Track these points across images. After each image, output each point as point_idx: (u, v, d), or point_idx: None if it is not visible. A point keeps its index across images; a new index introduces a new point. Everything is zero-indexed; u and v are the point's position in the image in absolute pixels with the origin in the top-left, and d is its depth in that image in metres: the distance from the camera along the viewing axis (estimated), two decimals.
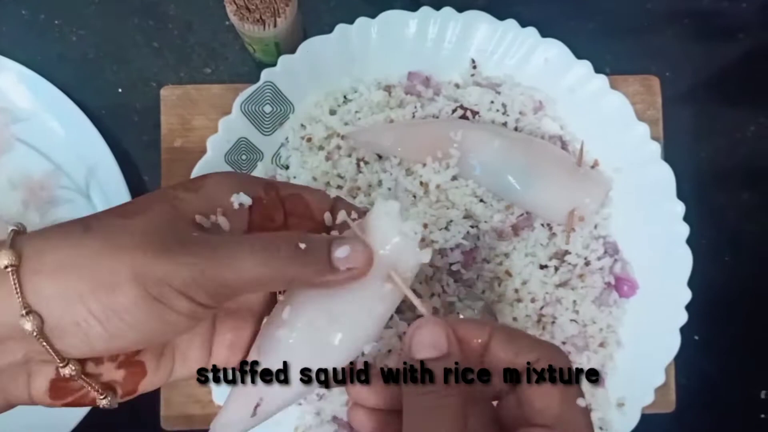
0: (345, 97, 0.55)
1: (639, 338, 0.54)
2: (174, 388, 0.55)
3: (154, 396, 0.55)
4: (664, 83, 0.59)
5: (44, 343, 0.27)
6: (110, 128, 0.57)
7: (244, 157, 0.53)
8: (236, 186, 0.32)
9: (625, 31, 0.62)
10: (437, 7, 0.54)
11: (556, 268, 0.54)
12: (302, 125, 0.54)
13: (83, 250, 0.27)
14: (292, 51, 0.53)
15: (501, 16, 0.54)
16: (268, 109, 0.53)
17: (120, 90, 0.58)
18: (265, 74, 0.52)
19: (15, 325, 0.26)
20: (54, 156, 0.56)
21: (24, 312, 0.26)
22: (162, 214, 0.29)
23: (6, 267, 0.26)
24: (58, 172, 0.57)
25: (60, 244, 0.27)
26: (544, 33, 0.54)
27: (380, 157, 0.53)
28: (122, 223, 0.28)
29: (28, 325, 0.26)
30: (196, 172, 0.51)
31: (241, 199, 0.32)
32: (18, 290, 0.26)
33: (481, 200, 0.53)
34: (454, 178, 0.52)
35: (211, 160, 0.52)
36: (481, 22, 0.54)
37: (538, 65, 0.55)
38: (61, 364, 0.28)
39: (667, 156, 0.57)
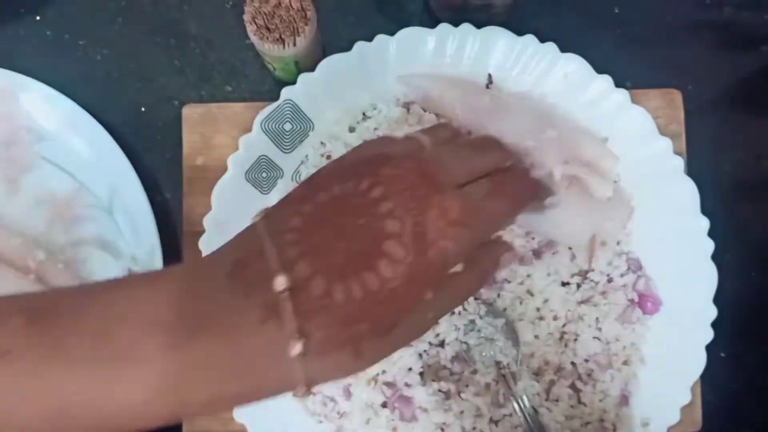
0: (364, 114, 0.55)
1: (663, 356, 0.53)
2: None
3: None
4: (686, 96, 0.59)
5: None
6: (133, 146, 0.58)
7: (264, 174, 0.54)
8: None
9: (646, 43, 0.61)
10: (456, 24, 0.54)
11: (578, 285, 0.53)
12: (322, 143, 0.54)
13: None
14: (312, 69, 0.53)
15: (520, 32, 0.54)
16: (288, 126, 0.54)
17: (143, 109, 0.59)
18: (285, 92, 0.53)
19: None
20: (78, 174, 0.57)
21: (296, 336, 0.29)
22: (408, 326, 0.33)
23: (296, 356, 0.29)
24: (83, 190, 0.57)
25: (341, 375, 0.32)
26: (564, 47, 0.54)
27: None
28: (380, 344, 0.32)
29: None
30: (217, 190, 0.52)
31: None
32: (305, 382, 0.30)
33: None
34: None
35: (232, 178, 0.52)
36: (499, 38, 0.54)
37: (557, 80, 0.54)
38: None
39: (691, 170, 0.56)
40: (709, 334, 0.52)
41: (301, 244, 0.31)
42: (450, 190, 0.34)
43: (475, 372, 0.51)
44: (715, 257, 0.52)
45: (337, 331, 0.29)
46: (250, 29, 0.49)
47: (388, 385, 0.50)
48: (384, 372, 0.50)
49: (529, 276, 0.53)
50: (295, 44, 0.50)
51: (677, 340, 0.53)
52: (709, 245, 0.52)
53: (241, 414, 0.51)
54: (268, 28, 0.49)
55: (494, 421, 0.52)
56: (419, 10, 0.60)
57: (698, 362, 0.52)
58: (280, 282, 0.29)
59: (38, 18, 0.60)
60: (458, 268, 0.33)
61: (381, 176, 0.33)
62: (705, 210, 0.53)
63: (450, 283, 0.34)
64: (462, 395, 0.51)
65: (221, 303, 0.30)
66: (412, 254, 0.31)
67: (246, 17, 0.49)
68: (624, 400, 0.53)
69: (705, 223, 0.52)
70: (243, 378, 0.29)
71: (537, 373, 0.53)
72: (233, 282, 0.30)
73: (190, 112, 0.57)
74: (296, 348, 0.28)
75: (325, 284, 0.30)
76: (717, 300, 0.52)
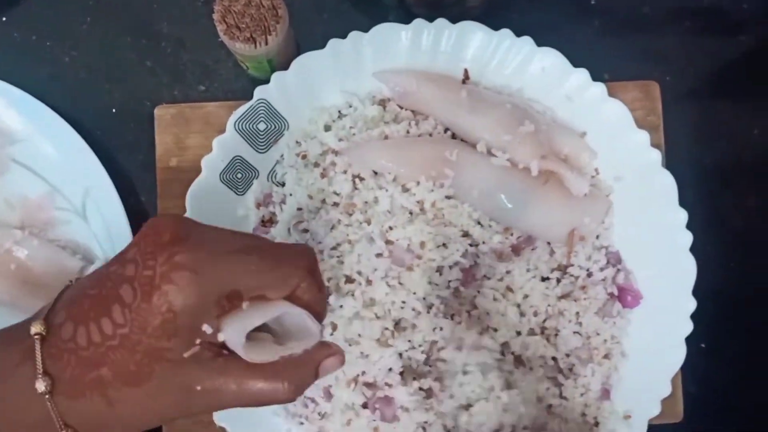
0: (340, 112, 0.54)
1: (644, 349, 0.53)
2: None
3: None
4: (665, 87, 0.58)
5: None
6: (106, 148, 0.57)
7: (239, 175, 0.53)
8: (212, 307, 0.33)
9: (623, 34, 0.61)
10: (431, 19, 0.53)
11: (558, 280, 0.53)
12: (297, 142, 0.54)
13: (117, 426, 0.34)
14: (286, 67, 0.52)
15: (496, 26, 0.53)
16: (262, 126, 0.53)
17: (114, 110, 0.58)
18: (258, 92, 0.52)
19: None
20: (50, 177, 0.56)
21: (40, 374, 0.32)
22: (163, 374, 0.32)
23: (43, 393, 0.32)
24: (55, 194, 0.56)
25: (92, 418, 0.33)
26: (540, 41, 0.53)
27: (376, 173, 0.52)
28: (137, 393, 0.32)
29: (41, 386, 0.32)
30: (191, 192, 0.51)
31: (209, 331, 0.33)
32: (59, 417, 0.32)
33: (479, 223, 0.52)
34: (449, 197, 0.51)
35: (206, 180, 0.52)
36: (475, 32, 0.53)
37: (534, 75, 0.54)
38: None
39: (670, 161, 0.56)
40: (688, 327, 0.52)
41: (65, 301, 0.35)
42: (193, 244, 0.34)
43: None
44: (695, 249, 0.52)
45: (81, 373, 0.32)
46: (220, 28, 0.48)
47: (369, 385, 0.50)
48: (364, 373, 0.50)
49: (508, 272, 0.52)
50: (266, 43, 0.49)
51: (657, 332, 0.53)
52: (688, 238, 0.52)
53: (221, 417, 0.51)
54: (238, 27, 0.48)
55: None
56: (395, 6, 0.59)
57: (678, 354, 0.52)
58: (35, 327, 0.33)
59: (4, 19, 0.58)
60: (207, 329, 0.32)
61: (140, 238, 0.34)
62: (684, 201, 0.53)
63: (210, 358, 0.33)
64: (443, 393, 0.51)
65: None
66: (138, 299, 0.32)
67: (215, 16, 0.48)
68: (605, 393, 0.53)
69: (683, 216, 0.52)
70: (3, 414, 0.33)
71: (519, 369, 0.52)
72: (1, 338, 0.35)
73: (163, 113, 0.56)
74: (40, 385, 0.32)
75: (73, 329, 0.33)
76: (696, 292, 0.52)
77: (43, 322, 0.33)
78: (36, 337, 0.33)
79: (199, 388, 0.33)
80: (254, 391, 0.33)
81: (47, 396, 0.32)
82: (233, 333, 0.33)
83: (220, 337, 0.33)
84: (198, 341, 0.33)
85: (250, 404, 0.34)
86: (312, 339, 0.35)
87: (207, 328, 0.33)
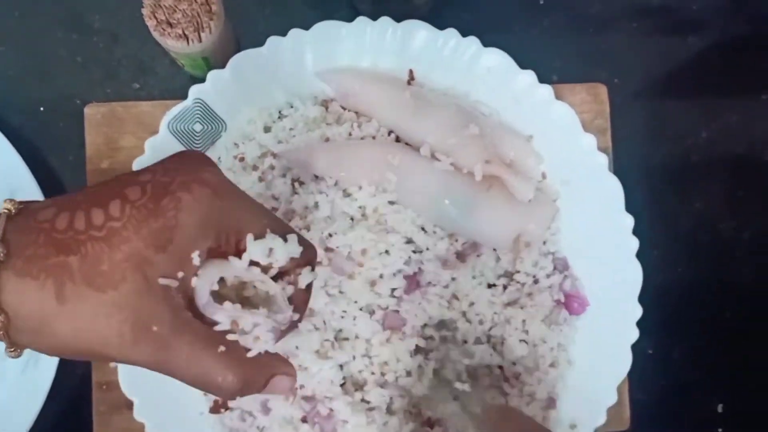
0: (280, 113, 0.52)
1: (590, 357, 0.53)
2: (108, 425, 0.52)
3: None
4: (614, 89, 0.57)
5: (5, 338, 0.29)
6: (33, 149, 0.54)
7: None
8: (211, 236, 0.31)
9: (572, 35, 0.60)
10: (376, 17, 0.51)
11: (505, 287, 0.52)
12: (235, 144, 0.52)
13: (58, 328, 0.29)
14: (224, 65, 0.50)
15: (441, 26, 0.52)
16: (198, 127, 0.51)
17: (42, 108, 0.55)
18: (194, 91, 0.50)
19: None
20: None
21: None
22: (132, 290, 0.29)
23: None
24: None
25: (33, 307, 0.29)
26: (487, 42, 0.52)
27: (317, 177, 0.50)
28: (95, 299, 0.29)
29: None
30: None
31: (197, 262, 0.31)
32: (2, 229, 0.29)
33: (423, 229, 0.50)
34: (392, 203, 0.50)
35: None
36: (419, 31, 0.51)
37: (480, 76, 0.52)
38: (12, 351, 0.30)
39: (618, 164, 0.55)
40: (634, 334, 0.51)
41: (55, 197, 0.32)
42: (221, 173, 0.33)
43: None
44: (642, 252, 0.51)
45: (45, 253, 0.28)
46: (150, 24, 0.46)
47: (307, 399, 0.48)
48: (303, 386, 0.48)
49: (453, 279, 0.51)
50: (200, 40, 0.47)
51: (603, 340, 0.52)
52: (634, 243, 0.51)
53: (143, 414, 0.49)
54: (169, 23, 0.46)
55: (422, 429, 0.50)
56: (344, 4, 0.57)
57: (624, 362, 0.51)
58: (5, 204, 0.30)
59: None
60: (195, 259, 0.30)
61: (165, 159, 0.33)
62: (632, 204, 0.52)
63: (179, 305, 0.31)
64: (389, 405, 0.49)
65: None
66: (146, 197, 0.30)
67: (145, 11, 0.46)
68: (551, 402, 0.52)
69: (630, 221, 0.51)
70: None
71: (463, 378, 0.51)
72: None
73: (93, 112, 0.53)
74: None
75: (54, 212, 0.30)
76: (643, 296, 0.51)
77: (17, 202, 0.30)
78: (3, 212, 0.30)
79: (155, 329, 0.29)
80: (200, 367, 0.31)
81: None
82: (205, 276, 0.31)
83: (194, 282, 0.31)
84: (180, 275, 0.30)
85: (187, 381, 0.31)
86: (277, 317, 0.33)
87: (196, 258, 0.30)
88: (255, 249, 0.32)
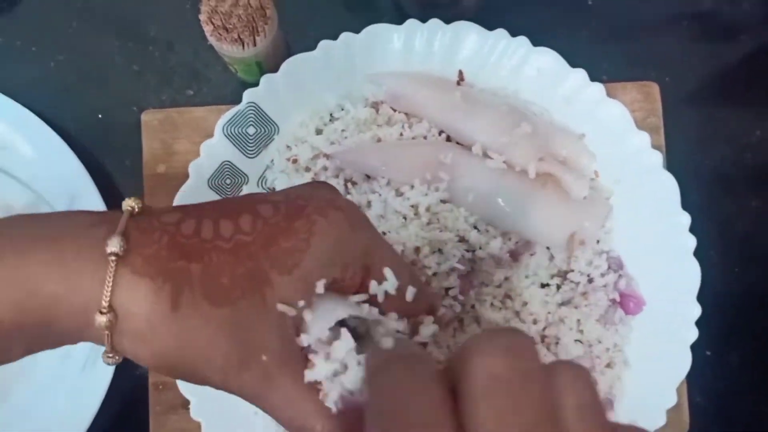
0: (331, 115, 0.53)
1: (647, 357, 0.52)
2: (164, 425, 0.53)
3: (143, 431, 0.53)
4: (664, 89, 0.57)
5: (108, 339, 0.27)
6: (91, 155, 0.55)
7: (228, 181, 0.51)
8: (339, 266, 0.29)
9: (621, 36, 0.60)
10: (425, 20, 0.52)
11: (558, 287, 0.51)
12: (288, 146, 0.52)
13: (164, 336, 0.27)
14: (276, 69, 0.51)
15: (490, 27, 0.52)
16: (251, 130, 0.51)
17: (100, 116, 0.57)
18: (247, 95, 0.51)
19: (87, 313, 0.26)
20: (35, 185, 0.55)
21: (105, 308, 0.26)
22: (249, 310, 0.27)
23: (111, 254, 0.26)
24: (40, 202, 0.55)
25: (145, 310, 0.27)
26: (536, 42, 0.52)
27: (369, 177, 0.51)
28: (209, 313, 0.27)
29: (102, 319, 0.26)
30: (178, 199, 0.49)
31: (320, 290, 0.29)
32: (110, 285, 0.26)
33: (475, 227, 0.50)
34: (444, 201, 0.50)
35: (194, 186, 0.50)
36: (469, 32, 0.52)
37: (531, 76, 0.52)
38: (110, 357, 0.28)
39: (670, 164, 0.55)
40: (693, 333, 0.50)
41: (178, 204, 0.31)
42: (352, 204, 0.32)
43: None
44: (698, 254, 0.51)
45: (166, 256, 0.27)
46: (207, 29, 0.47)
47: None
48: None
49: (507, 279, 0.51)
50: (255, 44, 0.48)
51: (661, 340, 0.51)
52: (691, 241, 0.51)
53: (198, 411, 0.49)
54: (225, 28, 0.47)
55: None
56: (389, 8, 0.58)
57: (683, 362, 0.50)
58: (128, 202, 0.29)
59: None
60: (319, 287, 0.28)
61: (296, 186, 0.33)
62: (686, 205, 0.51)
63: (290, 336, 0.28)
64: None
65: (60, 219, 0.29)
66: (280, 216, 0.29)
67: (202, 17, 0.47)
68: (608, 404, 0.51)
69: (686, 219, 0.51)
70: (53, 275, 0.26)
71: None
72: (89, 212, 0.30)
73: (150, 118, 0.55)
74: (113, 243, 0.26)
75: (179, 217, 0.28)
76: (701, 298, 0.50)
77: (140, 201, 0.29)
78: (127, 209, 0.28)
79: (264, 358, 0.27)
80: (299, 409, 0.28)
81: (113, 258, 0.26)
82: (322, 315, 0.29)
83: (307, 316, 0.28)
84: (300, 304, 0.28)
85: (282, 421, 0.29)
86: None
87: (320, 287, 0.28)
88: (390, 286, 0.30)
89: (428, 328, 0.31)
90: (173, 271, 0.27)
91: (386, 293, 0.30)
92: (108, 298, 0.26)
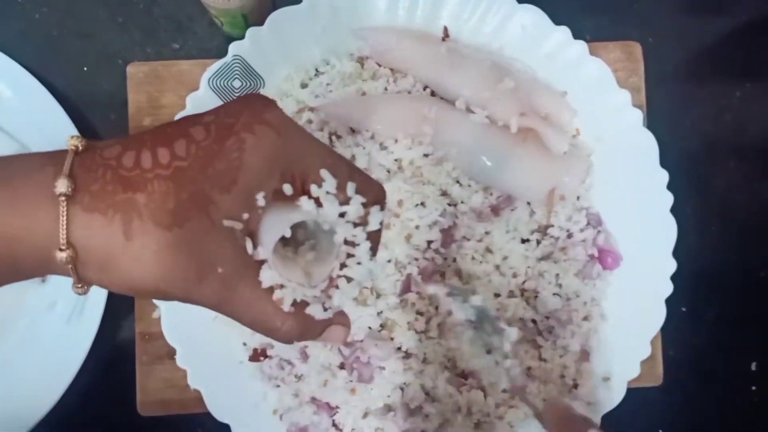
0: (317, 69, 0.53)
1: (624, 311, 0.53)
2: (150, 375, 0.54)
3: (129, 381, 0.54)
4: (647, 50, 0.58)
5: (72, 271, 0.29)
6: (77, 107, 0.55)
7: None
8: (276, 176, 0.30)
9: None
10: None
11: (538, 242, 0.53)
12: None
13: (124, 263, 0.28)
14: (261, 23, 0.51)
15: None
16: (237, 84, 0.52)
17: (85, 68, 0.57)
18: (233, 48, 0.51)
19: (48, 250, 0.28)
20: (21, 136, 0.55)
21: (63, 245, 0.28)
22: (198, 229, 0.29)
23: (60, 195, 0.27)
24: (25, 152, 0.55)
25: (101, 242, 0.28)
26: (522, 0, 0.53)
27: (353, 131, 0.51)
28: (161, 237, 0.28)
29: (62, 255, 0.28)
30: None
31: (261, 203, 0.30)
32: (64, 224, 0.28)
33: (458, 182, 0.51)
34: (427, 155, 0.51)
35: None
36: None
37: (514, 33, 0.53)
38: (79, 287, 0.30)
39: (651, 123, 0.55)
40: (668, 288, 0.51)
41: (118, 137, 0.31)
42: (283, 113, 0.32)
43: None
44: (675, 211, 0.52)
45: (112, 190, 0.28)
46: None
47: (346, 345, 0.49)
48: None
49: (488, 233, 0.52)
50: None
51: (637, 294, 0.52)
52: (669, 198, 0.52)
53: (195, 381, 0.50)
54: None
55: (456, 378, 0.51)
56: None
57: (658, 315, 0.52)
58: (72, 141, 0.29)
59: None
60: (260, 200, 0.30)
61: (227, 102, 0.33)
62: (666, 165, 0.52)
63: (243, 247, 0.30)
64: (425, 356, 0.50)
65: (12, 162, 0.29)
66: (211, 138, 0.30)
67: None
68: (585, 355, 0.53)
69: (664, 176, 0.52)
70: (10, 216, 0.28)
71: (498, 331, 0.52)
72: (32, 154, 0.30)
73: (135, 71, 0.55)
74: (61, 185, 0.27)
75: (120, 150, 0.29)
76: (677, 255, 0.52)
77: (84, 139, 0.29)
78: (71, 148, 0.29)
79: (220, 270, 0.29)
80: (261, 310, 0.31)
81: (63, 199, 0.28)
82: (271, 225, 0.30)
83: (260, 230, 0.30)
84: (244, 217, 0.30)
85: (247, 323, 0.31)
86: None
87: (260, 199, 0.30)
88: (329, 186, 0.31)
89: (375, 216, 0.32)
90: (120, 203, 0.28)
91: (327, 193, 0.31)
92: (65, 236, 0.28)
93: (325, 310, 0.31)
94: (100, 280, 0.29)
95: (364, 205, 0.32)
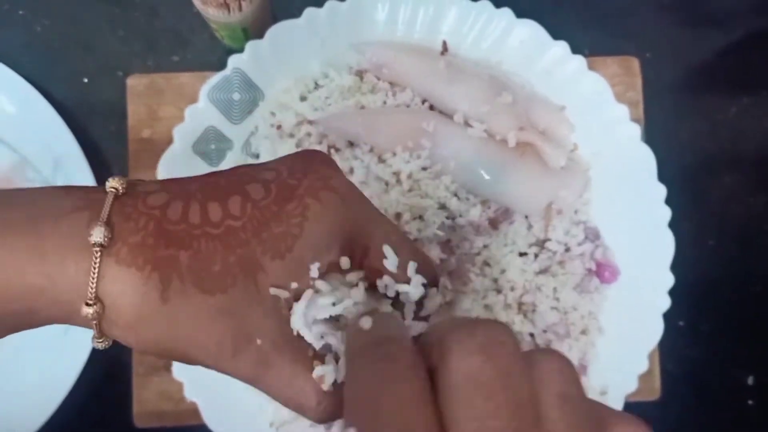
0: (316, 83, 0.53)
1: (621, 325, 0.53)
2: (146, 386, 0.54)
3: (125, 393, 0.54)
4: (645, 65, 0.58)
5: (96, 327, 0.26)
6: (77, 119, 0.56)
7: (213, 146, 0.52)
8: (335, 249, 0.28)
9: (605, 13, 0.61)
10: None
11: (536, 255, 0.53)
12: (272, 113, 0.53)
13: (154, 326, 0.26)
14: (261, 36, 0.51)
15: None
16: (236, 96, 0.52)
17: (86, 80, 0.57)
18: (233, 61, 0.51)
19: (72, 303, 0.25)
20: (20, 148, 0.55)
21: (91, 300, 0.25)
22: (241, 297, 0.26)
23: (95, 245, 0.25)
24: (24, 164, 0.55)
25: (133, 301, 0.26)
26: (520, 14, 0.53)
27: (352, 144, 0.52)
28: (200, 302, 0.26)
29: (89, 311, 0.25)
30: (162, 163, 0.50)
31: (314, 274, 0.28)
32: (95, 277, 0.25)
33: (456, 195, 0.51)
34: (425, 168, 0.51)
35: (178, 150, 0.50)
36: (453, 3, 0.52)
37: (513, 47, 0.53)
38: (99, 342, 0.27)
39: (648, 139, 0.56)
40: (666, 302, 0.52)
41: (162, 180, 0.29)
42: (345, 177, 0.30)
43: None
44: (673, 226, 0.52)
45: (153, 244, 0.26)
46: None
47: None
48: None
49: (485, 246, 0.52)
50: (240, 9, 0.48)
51: (635, 308, 0.52)
52: (666, 213, 0.52)
53: (192, 392, 0.50)
54: None
55: None
56: None
57: (655, 330, 0.52)
58: (111, 182, 0.27)
59: None
60: (313, 271, 0.27)
61: (287, 157, 0.31)
62: (663, 179, 0.52)
63: (286, 318, 0.27)
64: None
65: (37, 199, 0.26)
66: (270, 199, 0.27)
67: None
68: (582, 369, 0.53)
69: (662, 191, 0.52)
70: (33, 266, 0.25)
71: None
72: (67, 188, 0.27)
73: (135, 83, 0.55)
74: (97, 233, 0.25)
75: (165, 199, 0.27)
76: (675, 269, 0.52)
77: (125, 180, 0.27)
78: (111, 190, 0.26)
79: (258, 342, 0.26)
80: (297, 389, 0.27)
81: (97, 249, 0.25)
82: (314, 310, 0.27)
83: (300, 305, 0.27)
84: (293, 286, 0.27)
85: (280, 400, 0.28)
86: None
87: (314, 270, 0.27)
88: (390, 264, 0.29)
89: (433, 300, 0.30)
90: (161, 260, 0.26)
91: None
92: (94, 290, 0.25)
93: None
94: (126, 338, 0.27)
95: (425, 286, 0.30)
